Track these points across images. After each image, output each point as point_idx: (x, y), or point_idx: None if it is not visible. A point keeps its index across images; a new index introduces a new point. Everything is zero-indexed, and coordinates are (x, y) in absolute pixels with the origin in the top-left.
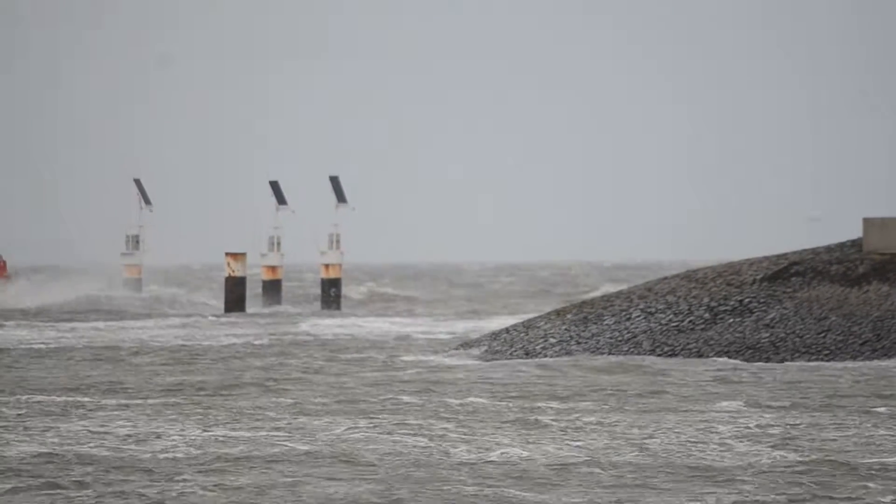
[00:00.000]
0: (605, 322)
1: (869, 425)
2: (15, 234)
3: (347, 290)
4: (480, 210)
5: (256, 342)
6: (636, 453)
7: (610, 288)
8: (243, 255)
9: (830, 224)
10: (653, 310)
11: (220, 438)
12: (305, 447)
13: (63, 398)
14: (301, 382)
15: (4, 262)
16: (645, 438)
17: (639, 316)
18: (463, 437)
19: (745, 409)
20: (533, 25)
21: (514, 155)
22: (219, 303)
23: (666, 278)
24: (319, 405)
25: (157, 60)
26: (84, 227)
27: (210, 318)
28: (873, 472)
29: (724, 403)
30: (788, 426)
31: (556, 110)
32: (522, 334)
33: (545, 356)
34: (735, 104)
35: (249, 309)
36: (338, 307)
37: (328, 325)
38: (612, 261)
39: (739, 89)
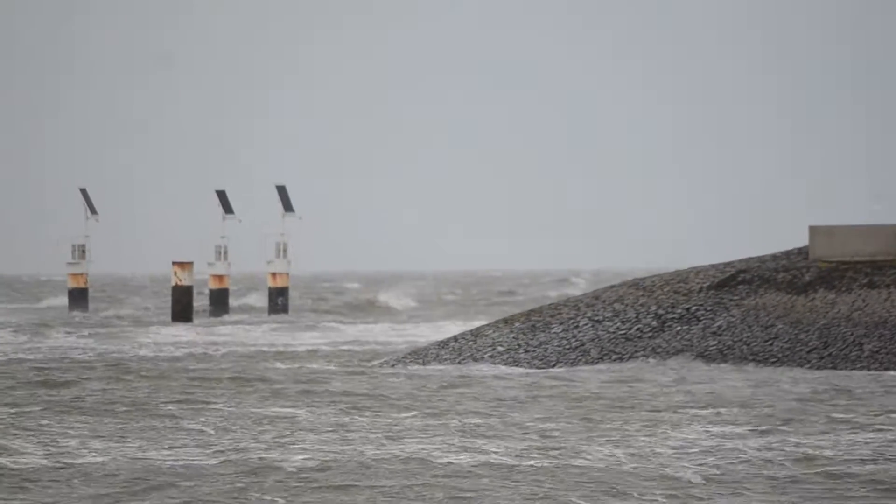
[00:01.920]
0: (553, 330)
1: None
2: None
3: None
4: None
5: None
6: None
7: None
8: (190, 263)
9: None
10: (600, 318)
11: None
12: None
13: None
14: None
15: None
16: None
17: (586, 324)
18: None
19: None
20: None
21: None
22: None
23: (613, 286)
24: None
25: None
26: (29, 237)
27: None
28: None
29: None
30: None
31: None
32: (470, 342)
33: (492, 364)
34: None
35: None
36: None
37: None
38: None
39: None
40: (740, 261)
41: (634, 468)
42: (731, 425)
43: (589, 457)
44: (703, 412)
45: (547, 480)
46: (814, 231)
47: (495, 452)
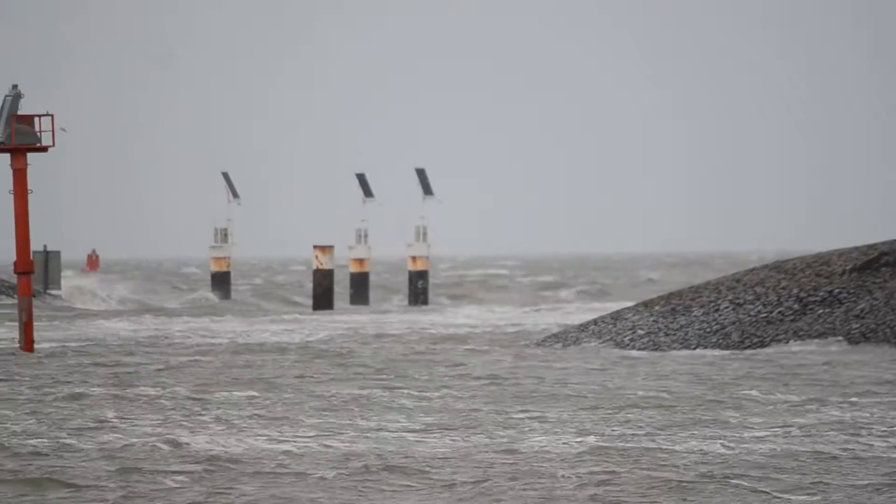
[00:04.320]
0: (694, 313)
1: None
2: (104, 229)
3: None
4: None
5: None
6: None
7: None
8: (331, 247)
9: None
10: (741, 301)
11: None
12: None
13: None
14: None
15: (98, 256)
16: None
17: (727, 307)
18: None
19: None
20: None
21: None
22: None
23: (754, 269)
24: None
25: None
26: (172, 221)
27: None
28: None
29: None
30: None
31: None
32: (610, 326)
33: (633, 348)
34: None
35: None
36: (425, 300)
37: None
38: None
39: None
40: (883, 243)
41: None
42: None
43: None
44: None
45: None
46: None
47: None
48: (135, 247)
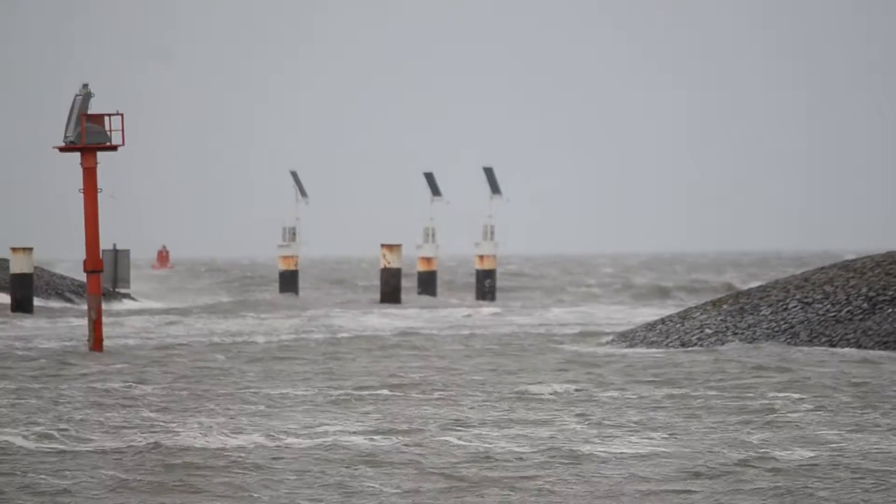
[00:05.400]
0: (762, 312)
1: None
2: (173, 227)
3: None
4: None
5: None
6: None
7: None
8: (399, 246)
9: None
10: (810, 300)
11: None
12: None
13: None
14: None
15: (168, 252)
16: None
17: (796, 306)
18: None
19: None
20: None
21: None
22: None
23: (823, 268)
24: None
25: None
26: (242, 221)
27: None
28: None
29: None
30: None
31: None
32: (678, 325)
33: (700, 347)
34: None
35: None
36: (492, 298)
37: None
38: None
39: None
40: None
41: None
42: None
43: None
44: None
45: None
46: None
47: None
48: (203, 245)
